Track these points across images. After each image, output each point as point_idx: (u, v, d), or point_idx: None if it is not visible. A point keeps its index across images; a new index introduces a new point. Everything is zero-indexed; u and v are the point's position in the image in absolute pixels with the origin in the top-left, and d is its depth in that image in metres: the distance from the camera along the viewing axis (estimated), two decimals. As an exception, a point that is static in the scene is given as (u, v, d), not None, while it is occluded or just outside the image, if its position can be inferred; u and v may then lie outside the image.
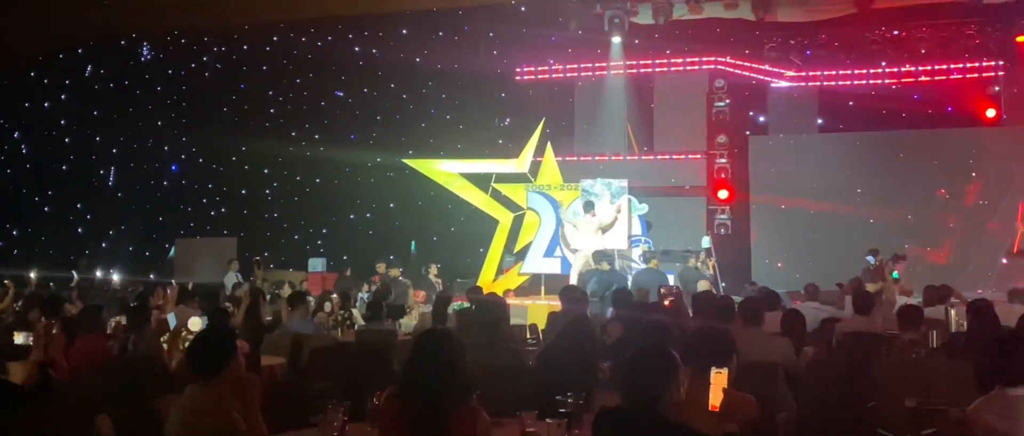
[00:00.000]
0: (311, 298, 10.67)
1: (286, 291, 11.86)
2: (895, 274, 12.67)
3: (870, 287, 12.08)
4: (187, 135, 20.81)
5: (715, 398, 4.03)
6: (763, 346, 6.16)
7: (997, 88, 17.22)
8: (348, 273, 16.48)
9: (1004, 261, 15.23)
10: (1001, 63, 16.97)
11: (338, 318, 9.98)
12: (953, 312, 8.44)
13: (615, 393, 4.73)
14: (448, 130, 19.08)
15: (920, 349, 6.53)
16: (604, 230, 15.08)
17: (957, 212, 16.59)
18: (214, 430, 4.00)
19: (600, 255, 13.74)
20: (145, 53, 21.43)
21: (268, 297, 11.42)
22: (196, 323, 7.20)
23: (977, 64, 17.27)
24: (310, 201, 20.40)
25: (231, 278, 15.02)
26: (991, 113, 17.25)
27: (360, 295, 12.52)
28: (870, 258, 13.20)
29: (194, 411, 4.06)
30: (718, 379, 4.04)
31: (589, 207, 15.04)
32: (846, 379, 6.34)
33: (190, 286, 11.49)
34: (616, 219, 15.35)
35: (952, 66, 17.42)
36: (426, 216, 18.92)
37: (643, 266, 14.50)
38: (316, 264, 17.46)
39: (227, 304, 10.30)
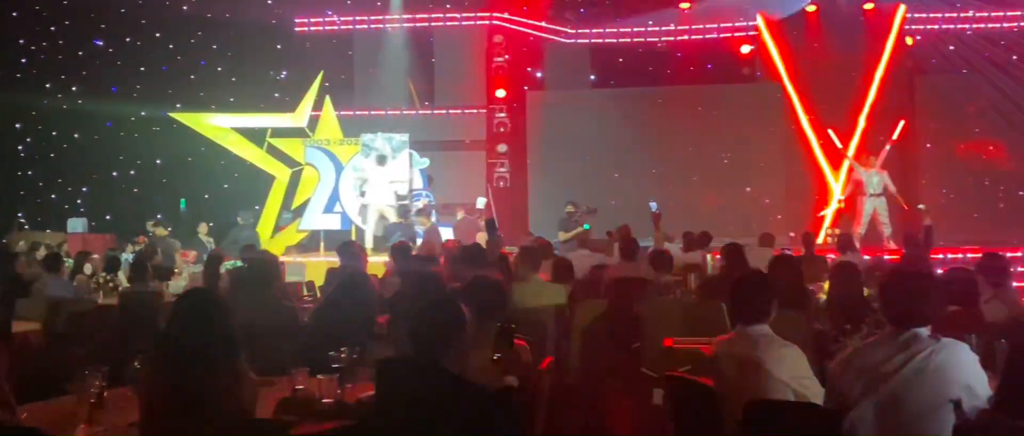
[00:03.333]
0: (69, 260, 10.03)
1: (42, 253, 11.08)
2: (586, 225, 13.56)
3: (561, 235, 13.01)
4: (-75, 87, 18.85)
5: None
6: (542, 292, 6.38)
7: (751, 47, 18.39)
8: None
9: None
10: (753, 23, 18.11)
11: (100, 280, 9.43)
12: (709, 257, 9.03)
13: (391, 347, 4.76)
14: (220, 83, 18.26)
15: (677, 290, 6.95)
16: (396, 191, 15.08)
17: (713, 164, 17.59)
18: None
19: (404, 209, 13.93)
20: None
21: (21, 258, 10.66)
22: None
23: (733, 24, 18.38)
24: (68, 158, 18.99)
25: (-20, 241, 13.87)
26: (746, 71, 18.47)
27: (123, 256, 11.86)
28: (569, 208, 14.13)
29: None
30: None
31: (382, 161, 14.98)
32: (613, 322, 6.68)
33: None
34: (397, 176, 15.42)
35: (710, 25, 18.48)
36: (197, 173, 18.11)
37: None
38: (76, 225, 16.36)
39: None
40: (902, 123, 15.72)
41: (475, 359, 4.08)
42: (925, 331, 3.63)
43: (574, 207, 14.17)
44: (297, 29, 18.54)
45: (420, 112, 18.42)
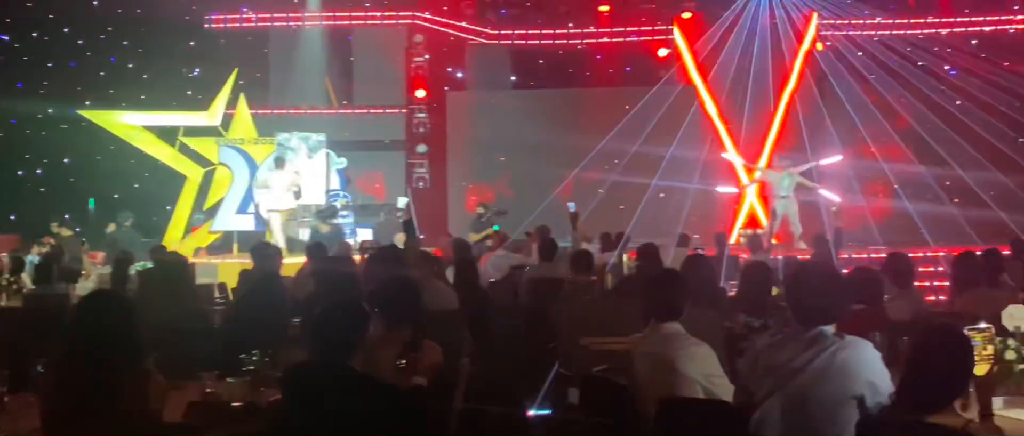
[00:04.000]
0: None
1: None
2: (496, 226, 13.73)
3: (472, 237, 13.14)
4: None
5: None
6: (441, 295, 6.40)
7: (667, 50, 18.70)
8: None
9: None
10: (671, 27, 18.42)
11: (3, 282, 9.13)
12: (625, 257, 9.14)
13: (303, 350, 4.72)
14: (130, 80, 17.79)
15: (594, 290, 7.02)
16: (297, 192, 14.86)
17: (631, 165, 17.71)
18: None
19: (325, 213, 13.89)
20: None
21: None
22: None
23: (650, 28, 18.66)
24: (-29, 156, 18.34)
25: None
26: (664, 74, 18.73)
27: (29, 258, 11.48)
28: (479, 209, 14.28)
29: None
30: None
31: (280, 162, 14.76)
32: (530, 322, 6.71)
33: None
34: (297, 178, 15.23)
35: (629, 29, 18.73)
36: (106, 172, 17.61)
37: (343, 220, 14.59)
38: (-21, 225, 15.82)
39: None
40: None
41: (386, 359, 4.10)
42: (830, 329, 3.72)
43: (484, 209, 14.26)
44: (210, 26, 18.09)
45: (338, 111, 18.21)
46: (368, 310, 4.01)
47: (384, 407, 3.54)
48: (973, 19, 18.06)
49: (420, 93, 18.27)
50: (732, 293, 7.41)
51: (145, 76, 17.84)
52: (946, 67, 18.16)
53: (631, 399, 4.34)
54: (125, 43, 18.20)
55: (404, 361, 4.01)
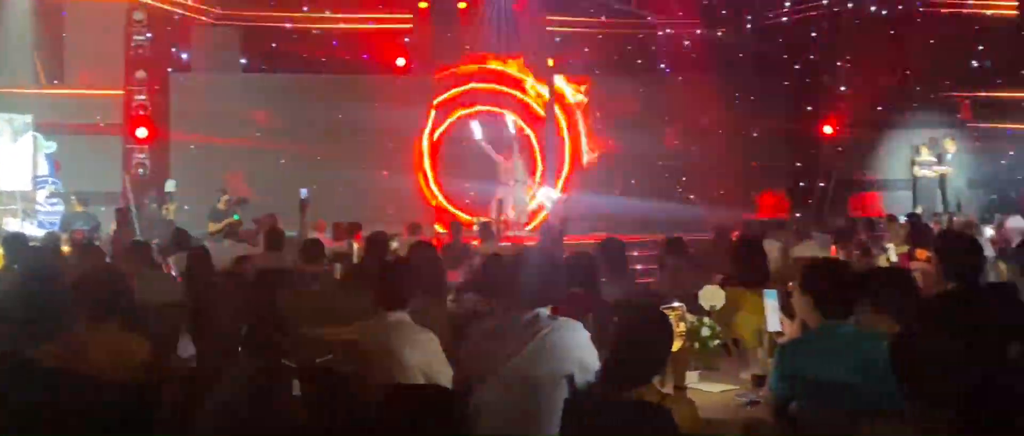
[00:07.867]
0: None
1: None
2: (236, 215, 13.54)
3: (211, 227, 12.93)
4: None
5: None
6: (163, 287, 6.10)
7: (407, 39, 18.76)
8: None
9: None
10: (410, 16, 18.53)
11: None
12: (356, 246, 9.08)
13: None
14: None
15: (323, 280, 6.92)
16: None
17: (367, 154, 17.56)
18: None
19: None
20: None
21: None
22: None
23: (390, 16, 18.65)
24: None
25: None
26: (401, 62, 18.79)
27: None
28: (224, 196, 14.17)
29: None
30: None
31: None
32: (257, 314, 6.48)
33: None
34: None
35: (368, 16, 18.63)
36: None
37: (52, 209, 13.53)
38: None
39: None
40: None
41: (94, 354, 3.86)
42: (546, 311, 3.87)
43: (227, 194, 13.81)
44: None
45: (47, 91, 16.77)
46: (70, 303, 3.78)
47: (73, 400, 3.34)
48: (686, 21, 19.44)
49: (140, 74, 17.18)
50: (460, 280, 7.55)
51: None
52: (661, 66, 19.47)
53: (354, 388, 4.31)
54: None
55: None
